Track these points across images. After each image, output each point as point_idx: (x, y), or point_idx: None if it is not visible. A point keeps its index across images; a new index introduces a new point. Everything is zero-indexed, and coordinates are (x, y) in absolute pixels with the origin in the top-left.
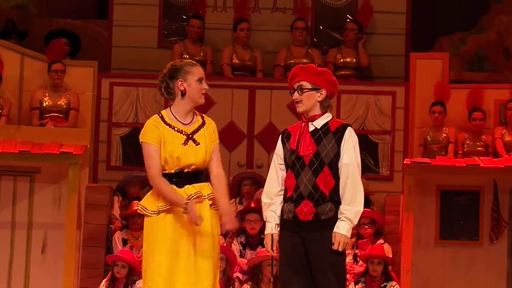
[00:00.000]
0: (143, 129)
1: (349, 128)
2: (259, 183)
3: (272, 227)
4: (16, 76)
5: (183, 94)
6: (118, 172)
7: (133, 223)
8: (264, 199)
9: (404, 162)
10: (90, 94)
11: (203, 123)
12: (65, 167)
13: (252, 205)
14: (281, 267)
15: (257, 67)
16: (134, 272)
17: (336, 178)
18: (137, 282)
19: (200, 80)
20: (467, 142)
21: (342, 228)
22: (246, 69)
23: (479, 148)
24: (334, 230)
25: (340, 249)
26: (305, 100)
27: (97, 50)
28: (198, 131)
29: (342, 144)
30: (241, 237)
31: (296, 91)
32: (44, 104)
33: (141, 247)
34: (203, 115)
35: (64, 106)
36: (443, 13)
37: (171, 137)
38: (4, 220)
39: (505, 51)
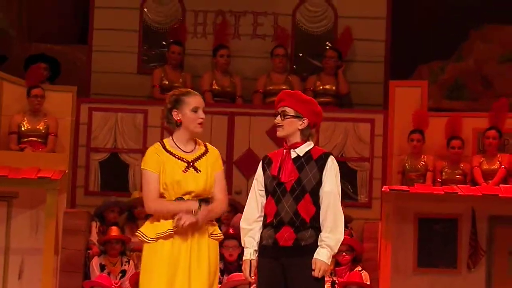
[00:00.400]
0: (144, 156)
1: (331, 156)
2: (237, 209)
3: (250, 253)
4: None
5: (177, 124)
6: (96, 198)
7: (111, 248)
8: (243, 225)
9: (383, 189)
10: (69, 119)
11: (206, 151)
12: (43, 192)
13: (230, 231)
14: None
15: (236, 93)
16: None
17: (317, 205)
18: None
19: (195, 110)
20: (445, 170)
21: (323, 255)
22: (226, 95)
23: (457, 176)
24: (315, 257)
25: (319, 276)
26: (286, 126)
27: (76, 75)
28: (199, 159)
29: (324, 172)
30: (219, 264)
31: (279, 115)
32: (23, 128)
33: (119, 273)
34: (207, 143)
35: (43, 131)
36: (423, 41)
37: (171, 164)
38: None
39: (483, 79)
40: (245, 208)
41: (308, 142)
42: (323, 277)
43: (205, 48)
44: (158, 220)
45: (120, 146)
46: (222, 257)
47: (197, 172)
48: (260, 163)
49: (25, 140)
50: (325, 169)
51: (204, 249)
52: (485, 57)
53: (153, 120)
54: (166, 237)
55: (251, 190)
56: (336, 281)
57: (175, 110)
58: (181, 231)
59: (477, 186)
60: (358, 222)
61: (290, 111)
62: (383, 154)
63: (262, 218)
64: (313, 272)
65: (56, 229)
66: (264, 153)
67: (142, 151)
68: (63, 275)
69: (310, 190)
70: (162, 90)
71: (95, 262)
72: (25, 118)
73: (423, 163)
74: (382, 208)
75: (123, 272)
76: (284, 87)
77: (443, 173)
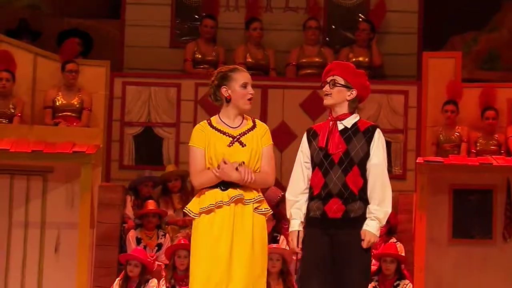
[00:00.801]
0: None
1: (378, 129)
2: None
3: (297, 224)
4: (29, 76)
5: (227, 100)
6: (131, 172)
7: (148, 222)
8: (289, 196)
9: (417, 161)
10: (102, 94)
11: (253, 127)
12: (78, 167)
13: None
14: (304, 262)
15: (270, 66)
16: (147, 271)
17: (364, 177)
18: (150, 281)
19: (244, 86)
20: (480, 140)
21: (372, 227)
22: (260, 68)
23: (492, 147)
24: (364, 228)
25: (367, 246)
26: (335, 94)
27: (109, 49)
28: (246, 134)
29: (372, 145)
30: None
31: (328, 84)
32: (57, 103)
33: (155, 246)
34: (255, 119)
35: (77, 106)
36: (455, 12)
37: (217, 139)
38: (17, 219)
39: None
40: (290, 180)
41: (354, 114)
42: (370, 250)
43: (238, 22)
44: (203, 195)
45: (154, 120)
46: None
47: (243, 146)
48: (305, 135)
49: (60, 115)
50: (372, 141)
51: (248, 224)
52: None
53: (186, 94)
54: (208, 211)
55: (296, 163)
56: (372, 253)
57: (224, 86)
58: (225, 178)
59: None
60: (393, 194)
61: (340, 80)
62: (417, 126)
63: (308, 190)
64: (362, 243)
65: (91, 203)
66: (298, 126)
67: (176, 125)
68: (99, 248)
69: (358, 162)
70: (194, 64)
71: (131, 236)
72: (59, 93)
73: (457, 134)
74: (416, 179)
75: (159, 246)
76: (317, 59)
77: (478, 144)
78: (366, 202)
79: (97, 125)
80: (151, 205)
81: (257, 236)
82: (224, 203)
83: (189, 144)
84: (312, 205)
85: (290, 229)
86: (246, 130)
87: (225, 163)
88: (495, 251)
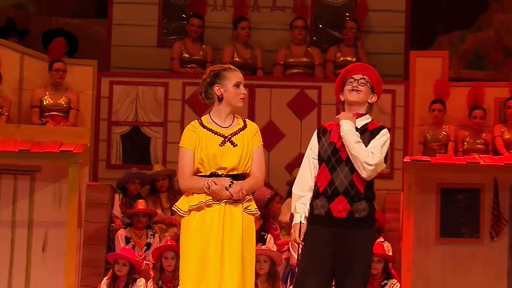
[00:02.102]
0: (183, 134)
1: (386, 129)
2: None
3: (301, 217)
4: (16, 75)
5: (220, 99)
6: (118, 171)
7: (137, 221)
8: (296, 191)
9: (404, 160)
10: (90, 93)
11: (244, 127)
12: (65, 166)
13: None
14: (303, 259)
15: (257, 65)
16: (135, 270)
17: None
18: (137, 280)
19: (237, 85)
20: (467, 140)
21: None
22: (247, 67)
23: (479, 146)
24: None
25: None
26: (363, 93)
27: (96, 49)
28: (237, 134)
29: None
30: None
31: (357, 81)
32: (45, 103)
33: (144, 245)
34: (246, 119)
35: (65, 105)
36: (442, 12)
37: (208, 139)
38: (4, 218)
39: (504, 49)
40: (298, 176)
41: (367, 115)
42: (372, 250)
43: (225, 21)
44: (192, 194)
45: (141, 120)
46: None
47: (234, 146)
48: (315, 133)
49: (47, 114)
50: (376, 136)
51: (238, 222)
52: (506, 27)
53: (174, 93)
54: (198, 209)
55: (304, 159)
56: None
57: (216, 85)
58: (215, 197)
59: (499, 156)
60: (380, 193)
61: (369, 82)
62: (405, 125)
63: (313, 187)
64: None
65: (79, 202)
66: (286, 126)
67: (163, 124)
68: (86, 248)
69: None
70: (182, 63)
71: (120, 234)
72: (46, 92)
73: (445, 133)
74: (404, 178)
75: (148, 245)
76: (304, 59)
77: (465, 143)
78: (371, 201)
79: (85, 124)
80: (141, 204)
81: (247, 236)
82: (214, 202)
83: (180, 145)
84: (317, 203)
85: (293, 222)
86: (237, 130)
87: (215, 184)
88: (482, 250)
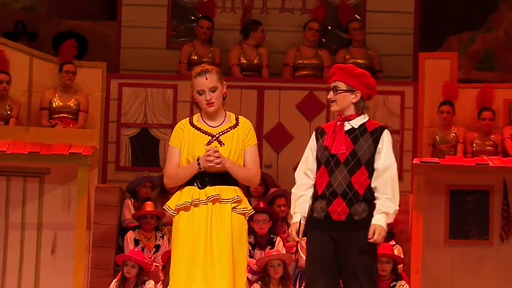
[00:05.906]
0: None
1: (386, 130)
2: (268, 182)
3: (299, 217)
4: (25, 77)
5: (195, 103)
6: (127, 173)
7: (146, 223)
8: (295, 191)
9: (413, 161)
10: (99, 95)
11: (236, 125)
12: (75, 168)
13: (261, 205)
14: (309, 264)
15: (263, 63)
16: (144, 272)
17: (371, 178)
18: (147, 282)
19: (200, 93)
20: (476, 141)
21: (381, 221)
22: (254, 68)
23: (488, 148)
24: (373, 222)
25: (378, 241)
26: (339, 101)
27: (105, 51)
28: (226, 133)
29: (380, 145)
30: (249, 237)
31: (331, 90)
32: (54, 105)
33: (153, 247)
34: (240, 116)
35: (74, 107)
36: (452, 13)
37: (194, 138)
38: (14, 221)
39: None
40: (297, 176)
41: (363, 115)
42: (375, 251)
43: (234, 23)
44: (181, 192)
45: (150, 122)
46: (252, 231)
47: (221, 145)
48: (314, 133)
49: (56, 116)
50: (380, 142)
51: (227, 223)
52: None
53: (182, 95)
54: (185, 209)
55: (302, 159)
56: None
57: (192, 89)
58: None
59: (508, 158)
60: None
61: (341, 85)
62: (413, 126)
63: (313, 186)
64: (373, 236)
65: (87, 204)
66: (295, 127)
67: (172, 126)
68: (95, 250)
69: (365, 162)
70: (190, 65)
71: (129, 237)
72: (56, 94)
73: (454, 134)
74: (413, 180)
75: (157, 247)
76: (313, 61)
77: (474, 145)
78: (370, 203)
79: (94, 126)
80: (149, 206)
81: (236, 235)
82: (200, 201)
83: (169, 143)
84: (317, 206)
85: (292, 221)
86: (226, 129)
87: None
88: (491, 252)
